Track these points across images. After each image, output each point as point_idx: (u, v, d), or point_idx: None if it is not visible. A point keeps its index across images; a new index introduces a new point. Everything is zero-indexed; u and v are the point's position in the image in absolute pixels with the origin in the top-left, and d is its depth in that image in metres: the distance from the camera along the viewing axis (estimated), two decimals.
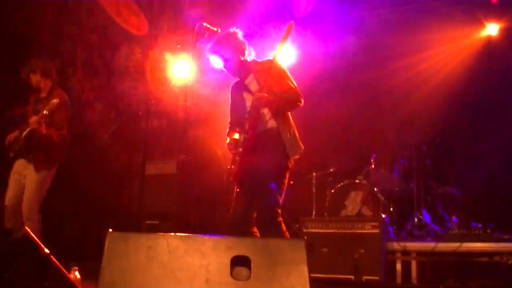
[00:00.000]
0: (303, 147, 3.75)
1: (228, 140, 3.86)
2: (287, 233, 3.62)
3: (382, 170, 6.29)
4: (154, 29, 7.10)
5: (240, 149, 3.68)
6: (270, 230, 3.55)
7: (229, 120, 4.02)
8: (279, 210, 3.60)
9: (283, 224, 3.61)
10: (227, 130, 3.96)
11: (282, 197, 3.66)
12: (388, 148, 6.42)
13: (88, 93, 6.90)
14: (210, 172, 6.93)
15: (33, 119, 4.45)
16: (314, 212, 6.33)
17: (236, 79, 3.99)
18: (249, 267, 2.22)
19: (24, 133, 4.56)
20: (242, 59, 3.85)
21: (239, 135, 3.78)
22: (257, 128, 3.65)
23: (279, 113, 3.69)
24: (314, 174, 6.53)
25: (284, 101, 3.66)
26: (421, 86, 6.70)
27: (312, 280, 2.23)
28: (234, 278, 2.21)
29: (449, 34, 6.57)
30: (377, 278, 4.82)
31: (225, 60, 3.83)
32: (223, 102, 4.18)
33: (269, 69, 3.63)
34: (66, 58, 6.84)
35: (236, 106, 3.93)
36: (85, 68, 7.11)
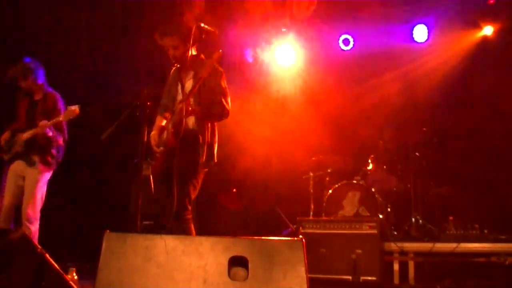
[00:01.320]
0: (216, 160, 3.87)
1: (153, 132, 3.95)
2: (193, 232, 3.73)
3: (380, 171, 6.29)
4: (151, 29, 7.08)
5: (162, 148, 3.79)
6: (179, 225, 3.66)
7: (161, 101, 4.10)
8: (189, 207, 3.71)
9: (191, 222, 3.72)
10: (159, 113, 4.07)
11: (194, 195, 3.77)
12: (386, 148, 6.43)
13: (85, 92, 6.88)
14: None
15: (43, 123, 4.54)
16: (311, 213, 6.33)
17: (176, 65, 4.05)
18: (246, 268, 2.22)
19: (25, 135, 4.61)
20: (190, 52, 3.87)
21: (161, 131, 3.89)
22: (178, 133, 3.72)
23: (202, 120, 3.79)
24: (311, 174, 6.53)
25: (207, 114, 3.77)
26: (418, 86, 6.71)
27: (310, 280, 2.24)
28: (232, 279, 2.21)
29: (445, 35, 6.59)
30: (374, 278, 4.82)
31: (174, 48, 3.85)
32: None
33: (210, 79, 3.71)
34: (65, 58, 6.82)
35: (169, 92, 4.01)
36: (84, 68, 7.09)
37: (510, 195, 5.87)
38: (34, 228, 4.53)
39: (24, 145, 4.63)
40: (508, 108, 6.21)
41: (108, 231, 2.38)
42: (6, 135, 4.75)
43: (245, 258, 2.24)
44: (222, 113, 3.81)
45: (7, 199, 4.64)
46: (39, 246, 2.76)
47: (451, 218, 5.58)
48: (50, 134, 4.60)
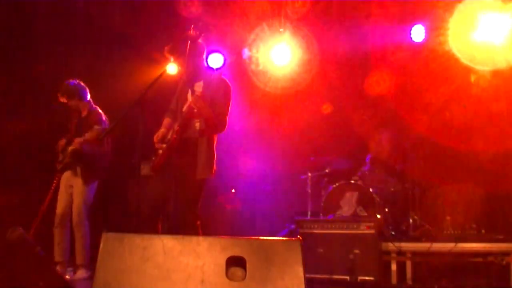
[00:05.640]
0: (215, 168, 3.89)
1: (161, 129, 4.04)
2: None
3: (377, 171, 6.29)
4: (149, 29, 7.08)
5: (164, 145, 3.88)
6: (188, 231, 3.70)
7: (169, 106, 4.19)
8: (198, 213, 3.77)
9: (200, 229, 3.76)
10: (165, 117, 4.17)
11: (198, 205, 3.81)
12: (383, 148, 6.43)
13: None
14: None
15: (77, 140, 5.08)
16: (309, 213, 6.33)
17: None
18: (244, 268, 2.23)
19: (70, 148, 5.11)
20: (203, 63, 4.05)
21: (168, 130, 3.98)
22: (183, 134, 3.82)
23: (205, 132, 3.84)
24: (309, 174, 6.53)
25: (212, 118, 3.80)
26: (416, 86, 6.71)
27: (307, 281, 2.24)
28: (230, 279, 2.22)
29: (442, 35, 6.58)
30: (372, 278, 4.82)
31: (187, 64, 3.91)
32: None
33: (218, 89, 3.83)
34: (63, 59, 6.82)
35: (178, 99, 4.08)
36: (82, 69, 7.09)
37: (507, 195, 5.88)
38: (81, 232, 4.97)
39: (70, 157, 5.11)
40: (506, 108, 6.22)
41: (105, 231, 2.38)
42: (63, 141, 5.23)
43: (243, 258, 2.24)
44: (222, 125, 3.89)
45: (60, 206, 5.09)
46: (37, 246, 2.77)
47: (448, 218, 5.58)
48: (84, 152, 5.07)
